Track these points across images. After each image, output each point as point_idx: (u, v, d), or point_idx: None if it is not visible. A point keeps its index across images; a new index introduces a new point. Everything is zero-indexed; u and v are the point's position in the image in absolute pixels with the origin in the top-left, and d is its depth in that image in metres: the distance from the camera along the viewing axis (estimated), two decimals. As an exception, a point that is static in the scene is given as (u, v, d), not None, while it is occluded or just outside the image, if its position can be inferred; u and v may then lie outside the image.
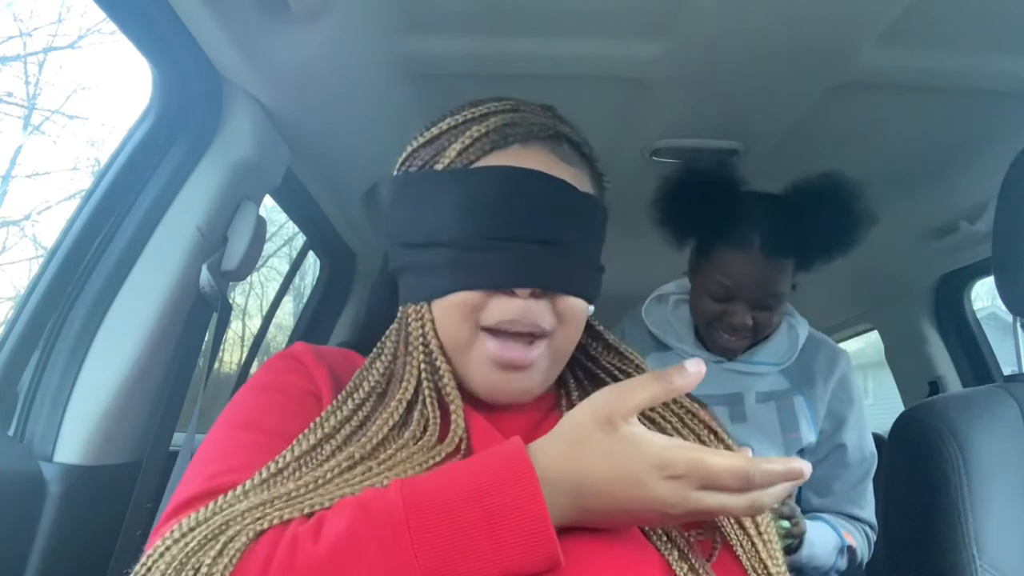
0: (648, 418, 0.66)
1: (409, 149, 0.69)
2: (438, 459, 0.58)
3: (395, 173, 0.70)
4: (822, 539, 1.17)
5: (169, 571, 0.46)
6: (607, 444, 0.50)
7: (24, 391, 0.91)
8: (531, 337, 0.63)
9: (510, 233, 0.62)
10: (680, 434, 0.66)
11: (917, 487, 0.83)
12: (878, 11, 0.96)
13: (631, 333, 1.41)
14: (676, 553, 0.59)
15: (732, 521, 0.63)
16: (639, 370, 0.71)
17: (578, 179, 0.66)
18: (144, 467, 0.98)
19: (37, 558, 0.83)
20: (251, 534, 0.48)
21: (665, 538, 0.59)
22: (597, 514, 0.51)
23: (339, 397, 0.62)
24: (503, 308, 0.62)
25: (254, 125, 1.05)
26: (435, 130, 0.68)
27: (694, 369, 0.52)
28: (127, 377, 0.93)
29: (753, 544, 0.62)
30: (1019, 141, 0.93)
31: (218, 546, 0.47)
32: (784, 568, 0.63)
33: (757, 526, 0.63)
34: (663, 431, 0.65)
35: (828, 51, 1.04)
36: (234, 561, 0.46)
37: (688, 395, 0.67)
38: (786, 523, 1.11)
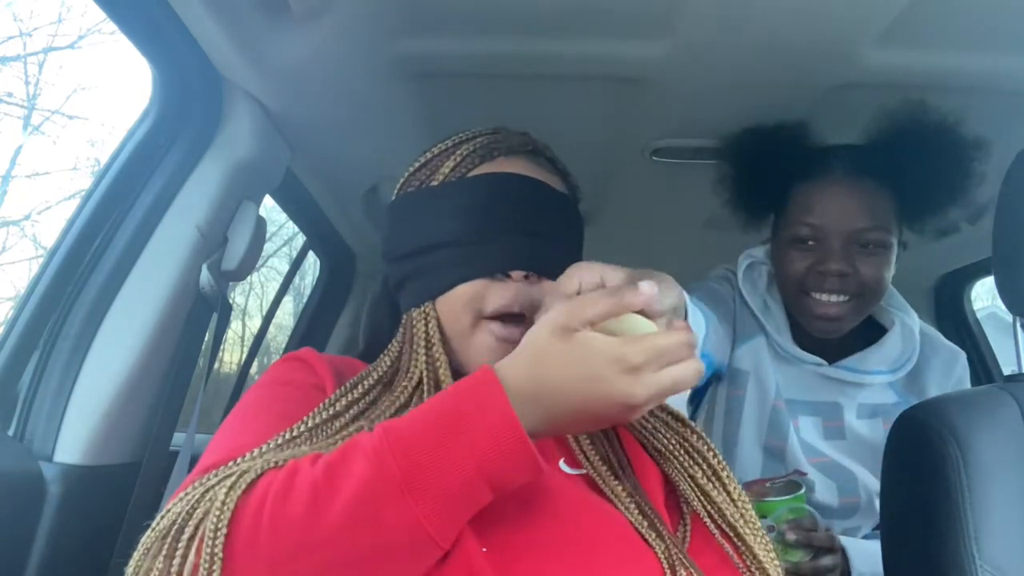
0: None
1: (404, 176, 0.80)
2: None
3: (393, 198, 0.80)
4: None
5: (188, 506, 0.52)
6: (564, 350, 0.53)
7: (24, 391, 0.91)
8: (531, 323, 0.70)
9: (502, 227, 0.72)
10: (648, 421, 0.74)
11: (917, 487, 0.83)
12: (878, 11, 0.96)
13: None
14: (660, 540, 0.63)
15: (701, 496, 0.68)
16: None
17: (555, 184, 0.77)
18: (144, 467, 0.98)
19: (37, 558, 0.83)
20: (259, 471, 0.53)
21: (654, 534, 0.64)
22: (563, 418, 0.54)
23: (349, 382, 0.67)
24: (501, 293, 0.71)
25: (254, 125, 1.05)
26: (428, 155, 0.78)
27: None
28: (127, 377, 0.93)
29: (722, 511, 0.67)
30: (1019, 141, 0.93)
31: (233, 479, 0.52)
32: (760, 530, 0.67)
33: (727, 492, 0.69)
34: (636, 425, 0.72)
35: (828, 51, 1.04)
36: (243, 489, 0.52)
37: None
38: (799, 553, 0.99)
